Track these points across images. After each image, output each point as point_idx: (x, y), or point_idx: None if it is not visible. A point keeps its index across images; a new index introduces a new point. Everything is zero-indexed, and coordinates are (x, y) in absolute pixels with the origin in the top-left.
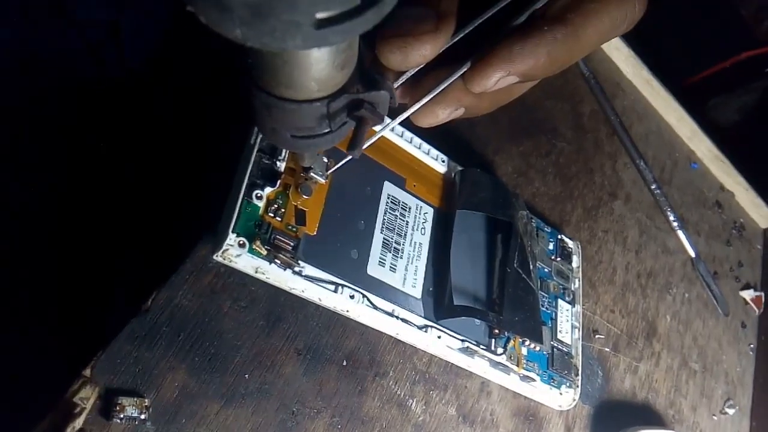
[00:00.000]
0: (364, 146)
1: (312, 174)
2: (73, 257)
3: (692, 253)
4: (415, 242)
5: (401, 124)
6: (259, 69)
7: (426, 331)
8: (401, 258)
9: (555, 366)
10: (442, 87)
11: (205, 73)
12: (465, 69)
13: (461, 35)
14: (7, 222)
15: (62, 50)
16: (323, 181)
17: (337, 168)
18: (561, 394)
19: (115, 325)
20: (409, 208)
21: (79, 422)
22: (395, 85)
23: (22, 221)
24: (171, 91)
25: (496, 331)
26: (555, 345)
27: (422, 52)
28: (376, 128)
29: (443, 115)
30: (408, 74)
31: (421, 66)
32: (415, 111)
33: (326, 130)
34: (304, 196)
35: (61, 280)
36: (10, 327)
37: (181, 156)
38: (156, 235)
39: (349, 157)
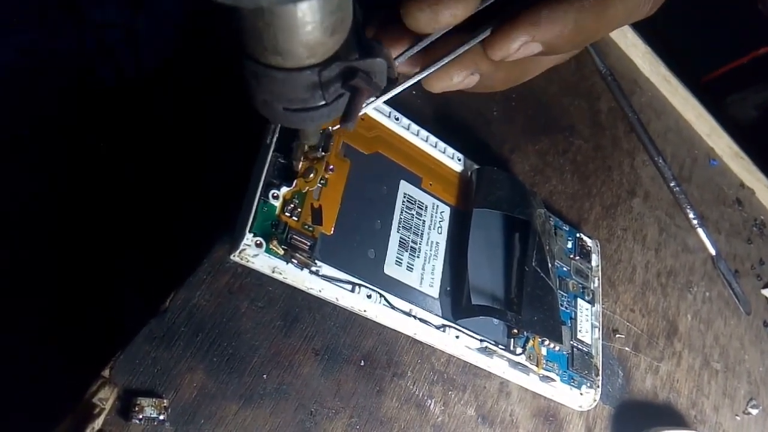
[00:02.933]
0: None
1: (311, 155)
2: (73, 257)
3: (713, 251)
4: (432, 241)
5: (418, 122)
6: (244, 34)
7: (444, 331)
8: (418, 257)
9: (575, 366)
10: (461, 50)
11: (205, 73)
12: (487, 33)
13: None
14: (7, 222)
15: (78, 52)
16: (323, 153)
17: (335, 129)
18: (581, 394)
19: (132, 326)
20: (426, 207)
21: (98, 423)
22: (411, 52)
23: (22, 221)
24: (171, 91)
25: (515, 330)
26: (575, 345)
27: (454, 11)
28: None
29: (457, 78)
30: (426, 41)
31: (448, 29)
32: (430, 74)
33: (321, 103)
34: (310, 176)
35: (60, 280)
36: (9, 327)
37: (181, 156)
38: (156, 235)
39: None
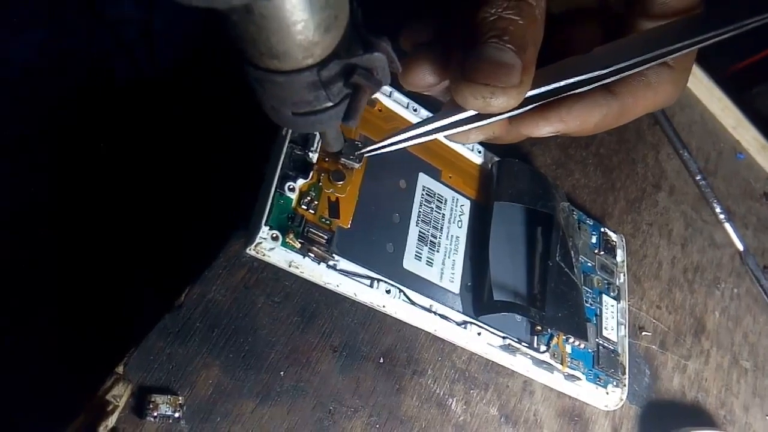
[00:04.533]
0: (408, 143)
1: (344, 160)
2: (87, 252)
3: (740, 247)
4: (452, 235)
5: (430, 110)
6: (240, 40)
7: (465, 328)
8: (438, 252)
9: (601, 364)
10: (489, 122)
11: (222, 67)
12: (516, 113)
13: (533, 95)
14: (7, 221)
15: (93, 50)
16: (357, 165)
17: (371, 150)
18: (607, 393)
19: (147, 321)
20: (445, 201)
21: (112, 420)
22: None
23: (34, 212)
24: (187, 85)
25: (539, 327)
26: (600, 342)
27: (504, 105)
28: (409, 140)
29: (473, 138)
30: (463, 114)
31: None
32: (455, 133)
33: (327, 104)
34: (338, 183)
35: (73, 275)
36: (9, 328)
37: (198, 149)
38: (169, 230)
39: (386, 142)
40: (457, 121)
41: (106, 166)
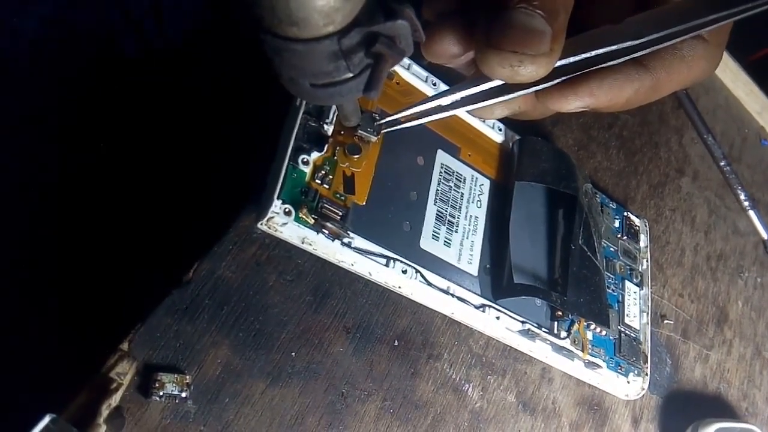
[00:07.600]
0: (429, 117)
1: (361, 132)
2: (94, 225)
3: (765, 235)
4: (470, 215)
5: (450, 85)
6: (258, 7)
7: (483, 311)
8: (456, 232)
9: (622, 352)
10: (514, 95)
11: (234, 41)
12: (544, 86)
13: (562, 65)
14: (8, 219)
15: (102, 23)
16: (374, 139)
17: (387, 123)
18: (628, 382)
19: (153, 297)
20: (464, 179)
21: (115, 399)
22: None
23: (42, 184)
24: (199, 59)
25: (560, 313)
26: (622, 330)
27: (533, 74)
28: (433, 114)
29: (498, 113)
30: (487, 84)
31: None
32: (479, 107)
33: (347, 75)
34: (354, 157)
35: (77, 248)
36: (9, 329)
37: (186, 155)
38: (178, 202)
39: (406, 113)
40: (480, 93)
41: (106, 165)
